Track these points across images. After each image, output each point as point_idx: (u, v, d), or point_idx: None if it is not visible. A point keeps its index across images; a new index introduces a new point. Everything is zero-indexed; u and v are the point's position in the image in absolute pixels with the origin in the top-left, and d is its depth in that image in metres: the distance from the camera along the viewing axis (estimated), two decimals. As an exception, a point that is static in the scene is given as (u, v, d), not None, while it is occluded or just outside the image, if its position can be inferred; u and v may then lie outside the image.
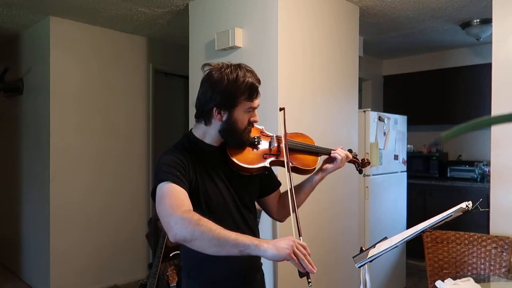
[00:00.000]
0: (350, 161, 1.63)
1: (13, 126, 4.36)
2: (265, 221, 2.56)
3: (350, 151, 1.63)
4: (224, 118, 1.33)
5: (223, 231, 1.10)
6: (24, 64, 4.13)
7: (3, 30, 4.03)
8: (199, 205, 1.30)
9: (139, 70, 4.27)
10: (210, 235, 1.08)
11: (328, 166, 1.55)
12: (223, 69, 1.32)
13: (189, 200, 1.22)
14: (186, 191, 1.24)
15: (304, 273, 1.11)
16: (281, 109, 1.49)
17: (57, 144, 3.66)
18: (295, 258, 1.08)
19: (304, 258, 1.08)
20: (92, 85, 3.90)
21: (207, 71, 1.36)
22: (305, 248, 1.11)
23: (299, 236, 1.24)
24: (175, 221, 1.12)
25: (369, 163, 1.72)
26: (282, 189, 1.61)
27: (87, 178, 3.86)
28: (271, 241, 1.11)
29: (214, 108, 1.32)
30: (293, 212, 1.31)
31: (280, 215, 1.60)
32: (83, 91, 3.84)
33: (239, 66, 1.34)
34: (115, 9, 3.43)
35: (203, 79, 1.36)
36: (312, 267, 1.09)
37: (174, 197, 1.19)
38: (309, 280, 1.12)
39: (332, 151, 1.56)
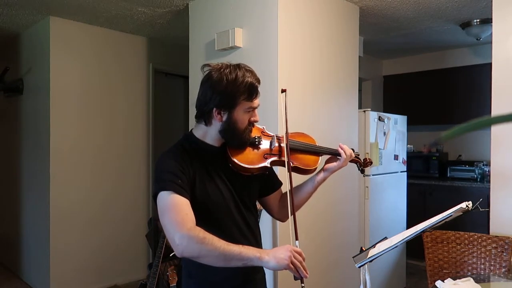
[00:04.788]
0: (352, 161, 1.62)
1: (13, 126, 4.36)
2: (265, 221, 2.56)
3: (352, 150, 1.62)
4: (224, 118, 1.33)
5: (227, 246, 1.16)
6: (24, 64, 4.13)
7: (3, 30, 4.03)
8: (199, 206, 1.29)
9: (139, 70, 4.27)
10: (216, 252, 1.15)
11: (330, 165, 1.55)
12: (222, 70, 1.32)
13: (191, 211, 1.24)
14: (188, 199, 1.25)
15: (298, 277, 1.20)
16: (283, 91, 1.47)
17: (57, 144, 3.66)
18: (292, 267, 1.18)
19: (300, 265, 1.19)
20: (92, 85, 3.90)
21: (207, 72, 1.36)
22: (300, 255, 1.20)
23: (296, 240, 1.30)
24: (180, 239, 1.16)
25: (371, 163, 1.70)
26: (283, 189, 1.60)
27: (87, 178, 3.86)
28: (271, 251, 1.19)
29: (214, 109, 1.32)
30: (291, 215, 1.35)
31: (281, 214, 1.59)
32: (83, 91, 3.84)
33: (238, 66, 1.34)
34: (115, 9, 3.43)
35: (203, 80, 1.36)
36: (306, 272, 1.19)
37: (178, 211, 1.21)
38: (303, 284, 1.22)
39: (339, 146, 1.55)
